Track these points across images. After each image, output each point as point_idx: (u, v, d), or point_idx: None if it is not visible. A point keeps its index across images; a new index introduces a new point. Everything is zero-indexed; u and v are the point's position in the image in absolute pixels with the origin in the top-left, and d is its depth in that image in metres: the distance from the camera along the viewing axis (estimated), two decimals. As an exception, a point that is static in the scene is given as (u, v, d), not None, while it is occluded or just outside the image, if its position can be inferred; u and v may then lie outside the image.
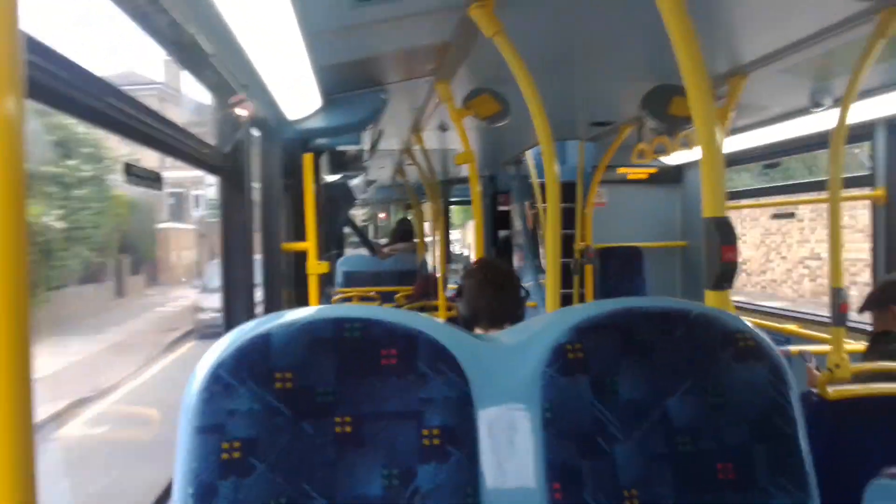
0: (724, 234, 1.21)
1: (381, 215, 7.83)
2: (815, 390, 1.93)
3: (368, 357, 0.85)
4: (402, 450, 0.84)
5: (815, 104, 3.03)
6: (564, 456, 0.87)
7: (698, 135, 1.29)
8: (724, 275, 1.21)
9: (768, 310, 4.21)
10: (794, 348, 2.60)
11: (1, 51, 0.54)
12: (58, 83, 0.84)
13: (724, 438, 0.90)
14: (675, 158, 4.71)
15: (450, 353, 0.87)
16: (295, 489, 0.80)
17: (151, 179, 1.18)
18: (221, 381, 0.81)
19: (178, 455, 0.81)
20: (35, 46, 0.84)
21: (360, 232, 7.53)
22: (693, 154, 4.37)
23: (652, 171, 5.12)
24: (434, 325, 0.89)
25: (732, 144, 3.92)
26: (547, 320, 1.01)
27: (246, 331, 0.84)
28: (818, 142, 3.56)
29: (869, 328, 2.54)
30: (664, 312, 0.94)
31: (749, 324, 0.95)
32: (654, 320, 0.93)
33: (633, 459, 0.88)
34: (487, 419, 0.87)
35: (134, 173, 1.14)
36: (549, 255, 2.14)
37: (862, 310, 2.47)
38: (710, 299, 1.25)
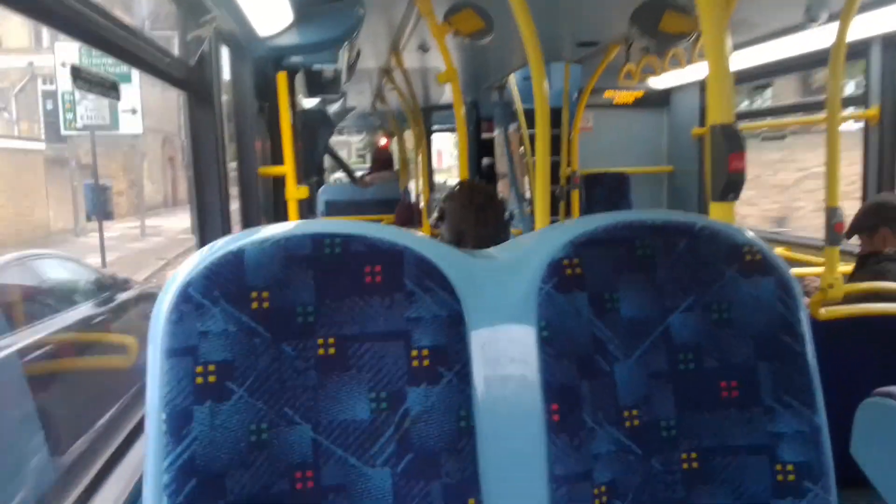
0: (732, 141, 1.15)
1: (383, 142, 7.59)
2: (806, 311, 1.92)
3: (351, 274, 0.78)
4: (389, 372, 0.78)
5: (811, 19, 2.93)
6: (562, 376, 0.82)
7: (705, 40, 1.21)
8: (731, 185, 1.15)
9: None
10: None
11: None
12: None
13: (729, 356, 0.86)
14: (662, 81, 4.62)
15: (439, 270, 0.80)
16: (276, 414, 0.75)
17: (105, 87, 1.08)
18: (192, 301, 0.74)
19: (149, 381, 0.75)
20: None
21: (341, 160, 7.40)
22: (681, 75, 4.28)
23: (638, 94, 5.03)
24: (421, 240, 0.82)
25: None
26: (541, 235, 0.94)
27: (217, 248, 0.77)
28: (813, 60, 3.48)
29: (855, 251, 2.52)
30: (667, 225, 0.88)
31: (756, 237, 0.89)
32: (656, 233, 0.87)
33: (633, 378, 0.83)
34: (480, 339, 0.81)
35: (83, 77, 1.03)
36: (538, 180, 2.08)
37: (850, 234, 2.45)
38: (715, 211, 1.19)
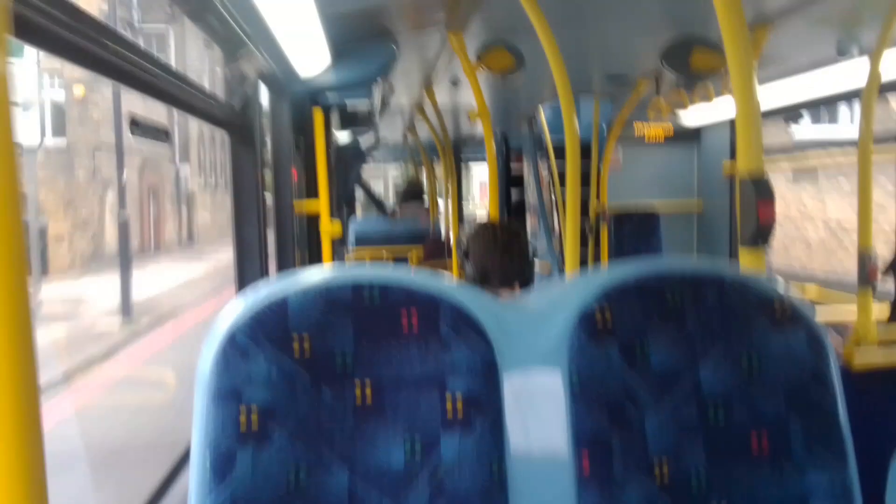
0: (761, 189, 1.16)
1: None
2: (839, 360, 1.88)
3: (389, 321, 0.81)
4: (424, 418, 0.80)
5: (841, 53, 2.92)
6: (593, 425, 0.83)
7: (734, 85, 1.23)
8: (761, 233, 1.16)
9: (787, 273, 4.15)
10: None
11: None
12: (50, 22, 0.78)
13: (759, 409, 0.86)
14: (692, 117, 4.62)
15: (473, 317, 0.82)
16: (314, 457, 0.77)
17: (158, 132, 1.13)
18: (237, 346, 0.77)
19: (196, 422, 0.78)
20: None
21: (371, 192, 7.48)
22: (711, 110, 4.28)
23: (668, 128, 5.03)
24: (456, 287, 0.85)
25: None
26: (573, 284, 0.96)
27: (261, 293, 0.81)
28: (845, 95, 3.46)
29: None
30: (696, 275, 0.89)
31: (786, 289, 0.90)
32: (685, 284, 0.88)
33: (663, 429, 0.84)
34: (513, 386, 0.83)
35: (139, 125, 1.09)
36: (569, 214, 2.09)
37: (886, 272, 2.41)
38: (745, 258, 1.20)
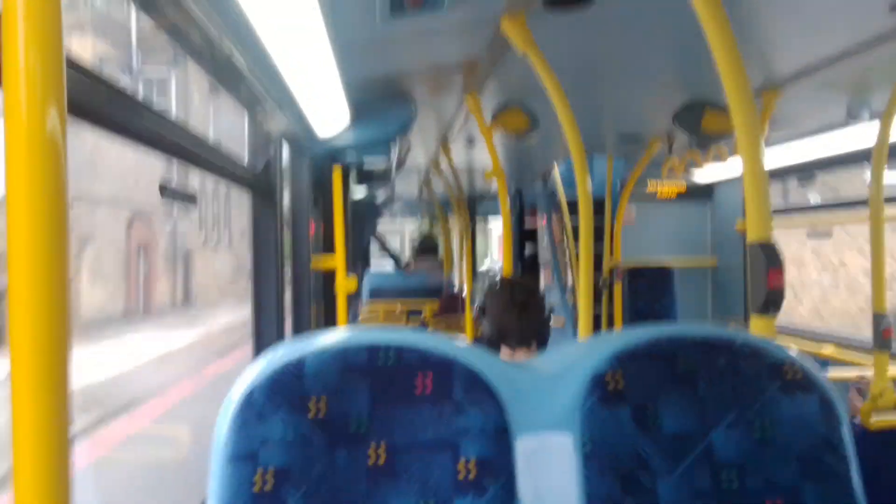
0: (770, 257, 1.17)
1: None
2: (857, 419, 1.87)
3: (403, 384, 0.83)
4: (437, 482, 0.81)
5: (852, 116, 2.97)
6: (605, 491, 0.83)
7: (741, 153, 1.25)
8: (771, 300, 1.17)
9: (803, 332, 4.12)
10: (832, 374, 2.53)
11: (46, 68, 0.59)
12: (96, 101, 0.84)
13: (772, 475, 0.86)
14: (705, 175, 4.66)
15: (485, 381, 0.84)
16: None
17: (186, 198, 1.18)
18: (255, 408, 0.79)
19: (211, 483, 0.79)
20: (74, 65, 0.84)
21: (386, 246, 7.55)
22: (724, 170, 4.32)
23: (682, 187, 5.06)
24: (469, 351, 0.86)
25: (765, 160, 3.85)
26: (584, 348, 0.97)
27: (279, 356, 0.83)
28: (856, 157, 3.49)
29: None
30: (707, 341, 0.90)
31: (797, 354, 0.91)
32: (696, 349, 0.89)
33: (676, 495, 0.84)
34: (525, 450, 0.84)
35: (168, 190, 1.13)
36: (582, 272, 2.11)
37: None
38: (756, 325, 1.20)
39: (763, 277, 1.16)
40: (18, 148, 0.58)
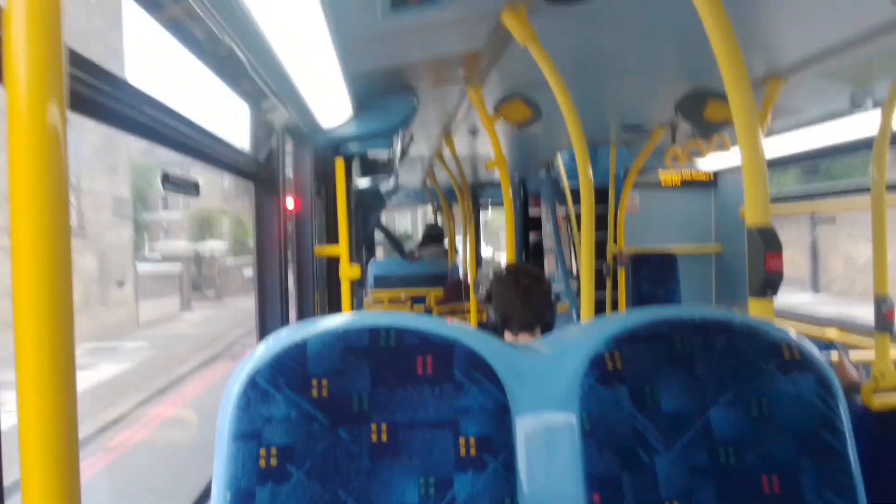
0: (769, 241, 1.19)
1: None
2: (858, 400, 1.89)
3: (404, 365, 0.85)
4: (438, 458, 0.83)
5: (855, 105, 2.96)
6: (604, 467, 0.85)
7: (739, 141, 1.27)
8: (769, 283, 1.19)
9: (806, 315, 4.13)
10: (835, 356, 2.56)
11: (46, 64, 0.59)
12: (98, 95, 0.86)
13: (770, 452, 0.87)
14: (708, 164, 4.65)
15: (486, 362, 0.86)
16: (331, 496, 0.81)
17: (188, 187, 1.20)
18: (258, 388, 0.82)
19: (217, 460, 0.82)
20: (77, 59, 0.86)
21: (391, 235, 7.57)
22: (727, 157, 4.31)
23: (685, 174, 5.06)
24: (469, 333, 0.89)
25: (768, 148, 3.84)
26: (584, 330, 0.99)
27: (282, 339, 0.85)
28: (858, 145, 3.48)
29: None
30: (705, 322, 0.92)
31: (794, 334, 0.93)
32: (694, 330, 0.91)
33: (674, 472, 0.86)
34: (525, 429, 0.86)
35: (171, 181, 1.16)
36: (584, 259, 2.12)
37: None
38: (754, 308, 1.22)
39: (761, 261, 1.18)
40: (20, 142, 0.59)
